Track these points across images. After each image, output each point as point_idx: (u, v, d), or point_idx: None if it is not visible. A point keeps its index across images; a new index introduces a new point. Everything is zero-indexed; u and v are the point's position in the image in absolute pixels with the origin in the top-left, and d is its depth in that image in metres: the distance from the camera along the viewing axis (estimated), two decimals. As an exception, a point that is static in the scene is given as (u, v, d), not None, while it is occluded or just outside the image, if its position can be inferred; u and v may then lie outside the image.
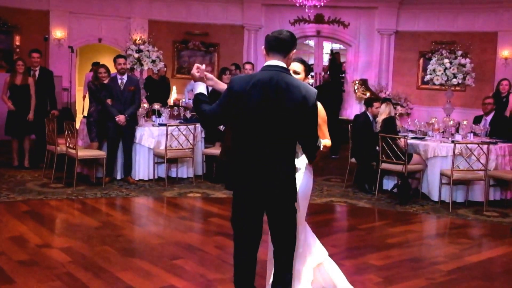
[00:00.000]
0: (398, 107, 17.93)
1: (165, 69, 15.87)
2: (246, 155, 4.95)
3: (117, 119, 11.44)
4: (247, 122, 4.90)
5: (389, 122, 11.41)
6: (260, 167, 4.90)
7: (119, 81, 11.70)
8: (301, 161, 5.38)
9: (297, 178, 5.15)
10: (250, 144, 4.92)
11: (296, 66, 5.36)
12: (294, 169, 5.02)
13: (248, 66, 13.66)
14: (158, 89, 15.21)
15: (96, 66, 13.21)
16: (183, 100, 16.13)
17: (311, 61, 21.67)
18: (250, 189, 4.99)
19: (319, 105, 5.17)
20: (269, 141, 4.86)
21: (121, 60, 11.85)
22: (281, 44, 4.94)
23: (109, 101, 11.57)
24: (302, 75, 5.38)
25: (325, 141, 5.31)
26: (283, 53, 4.93)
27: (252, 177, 4.94)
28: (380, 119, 11.59)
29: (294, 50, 5.01)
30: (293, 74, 5.16)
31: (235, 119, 4.97)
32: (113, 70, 12.10)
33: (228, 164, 5.15)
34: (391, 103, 11.99)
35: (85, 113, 12.34)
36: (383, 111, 11.60)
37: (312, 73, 20.20)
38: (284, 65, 4.94)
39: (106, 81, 11.80)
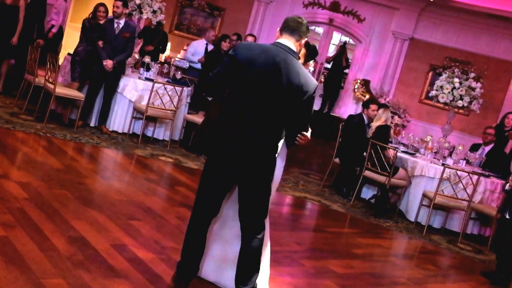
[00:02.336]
0: (395, 117, 18.06)
1: (164, 21, 15.81)
2: (233, 121, 5.16)
3: (104, 63, 11.46)
4: (242, 90, 5.11)
5: (383, 130, 11.55)
6: (243, 137, 5.11)
7: (115, 25, 11.70)
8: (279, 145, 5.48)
9: None
10: (240, 113, 5.13)
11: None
12: (275, 149, 5.20)
13: (250, 38, 13.74)
14: (152, 39, 15.28)
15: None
16: (177, 59, 16.23)
17: (316, 50, 21.75)
18: (227, 156, 5.20)
19: None
20: (258, 115, 5.07)
21: (118, 3, 11.70)
22: (298, 27, 5.14)
23: (100, 43, 11.59)
24: (301, 60, 5.46)
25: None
26: (297, 36, 5.13)
27: (232, 145, 5.16)
28: (375, 124, 11.71)
29: (306, 39, 5.17)
30: None
31: (233, 86, 5.16)
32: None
33: (209, 134, 5.33)
34: (389, 110, 12.12)
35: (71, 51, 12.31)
36: (379, 117, 11.72)
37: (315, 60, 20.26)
38: (294, 47, 5.11)
39: (102, 22, 11.86)
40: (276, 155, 5.37)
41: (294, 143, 5.33)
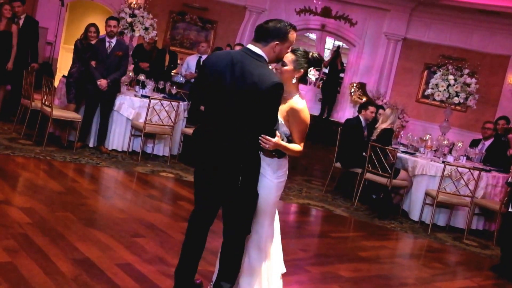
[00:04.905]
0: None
1: (157, 38, 15.81)
2: (205, 128, 5.28)
3: (98, 82, 11.47)
4: (209, 97, 5.20)
5: (387, 134, 11.50)
6: (213, 143, 5.16)
7: (107, 44, 11.73)
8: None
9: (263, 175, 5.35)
10: (210, 119, 5.23)
11: (286, 57, 5.34)
12: (248, 155, 5.16)
13: (237, 48, 13.72)
14: (147, 59, 15.28)
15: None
16: (172, 74, 16.29)
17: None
18: (203, 163, 5.34)
19: (305, 108, 5.33)
20: (224, 119, 5.10)
21: (113, 22, 11.83)
22: (260, 32, 5.19)
23: (93, 63, 11.59)
24: (289, 67, 5.33)
25: (293, 145, 5.31)
26: (261, 41, 5.14)
27: (205, 151, 5.25)
28: (381, 126, 11.64)
29: (276, 42, 5.13)
30: (280, 66, 5.34)
31: (204, 93, 5.28)
32: (103, 32, 12.14)
33: (189, 143, 5.46)
34: (396, 111, 12.08)
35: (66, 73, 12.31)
36: (387, 118, 11.62)
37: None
38: (258, 51, 5.12)
39: (93, 42, 11.86)
40: (265, 169, 5.36)
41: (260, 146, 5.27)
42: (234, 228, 5.38)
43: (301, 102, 5.32)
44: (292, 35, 5.23)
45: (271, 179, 5.38)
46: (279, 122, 5.19)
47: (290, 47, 5.27)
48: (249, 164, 5.18)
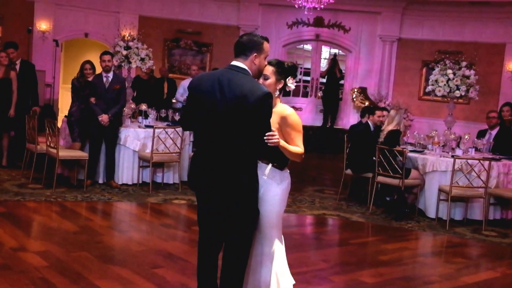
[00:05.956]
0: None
1: (154, 67, 15.80)
2: (199, 150, 5.31)
3: (100, 118, 11.46)
4: (199, 117, 5.19)
5: (395, 135, 11.41)
6: (208, 165, 5.15)
7: (104, 79, 11.72)
8: (268, 168, 5.36)
9: (262, 185, 5.29)
10: (202, 140, 5.25)
11: (266, 70, 5.37)
12: (243, 171, 5.09)
13: None
14: (146, 89, 15.26)
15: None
16: (173, 101, 16.26)
17: (307, 66, 21.81)
18: (200, 186, 5.29)
19: (293, 112, 5.35)
20: (216, 137, 5.07)
21: (107, 57, 11.84)
22: (238, 47, 5.23)
23: (92, 99, 11.59)
24: (271, 79, 5.35)
25: (294, 147, 5.28)
26: (241, 55, 5.19)
27: (201, 173, 5.22)
28: (387, 128, 11.57)
29: (254, 54, 5.16)
30: (262, 80, 5.32)
31: (195, 116, 5.26)
32: (98, 67, 12.13)
33: (189, 168, 5.45)
34: (401, 111, 12.03)
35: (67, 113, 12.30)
36: (392, 119, 11.55)
37: (299, 76, 20.23)
38: (241, 65, 5.16)
39: (90, 78, 11.84)
40: (266, 179, 5.31)
41: (263, 155, 5.24)
42: (234, 246, 5.32)
43: (288, 108, 5.37)
44: (266, 45, 5.27)
45: (276, 192, 5.34)
46: None
47: (266, 58, 5.30)
48: (248, 181, 5.13)
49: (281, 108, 5.35)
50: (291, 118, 5.33)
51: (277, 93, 5.39)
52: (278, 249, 5.51)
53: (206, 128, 5.14)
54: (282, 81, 5.36)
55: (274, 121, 5.21)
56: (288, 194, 5.52)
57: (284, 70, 5.38)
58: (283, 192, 5.42)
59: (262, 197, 5.30)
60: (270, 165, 5.32)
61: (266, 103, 4.95)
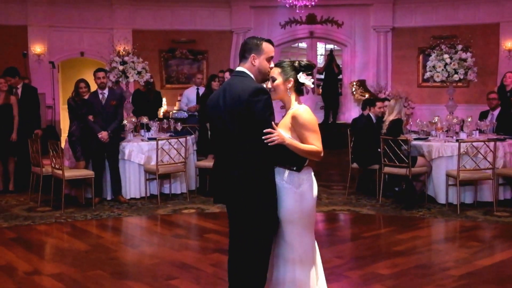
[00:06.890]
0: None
1: (152, 79, 15.71)
2: (217, 164, 5.33)
3: (99, 136, 11.44)
4: (214, 133, 5.31)
5: (397, 124, 11.37)
6: (222, 175, 5.17)
7: (100, 96, 11.70)
8: (287, 173, 5.22)
9: (281, 191, 5.18)
10: (218, 155, 5.33)
11: (272, 72, 5.29)
12: (255, 178, 5.01)
13: (226, 74, 13.47)
14: (146, 101, 15.22)
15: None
16: (174, 111, 16.22)
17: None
18: (221, 196, 5.30)
19: (304, 111, 5.18)
20: (229, 149, 5.10)
21: (101, 74, 11.82)
22: (240, 52, 5.31)
23: (90, 117, 11.58)
24: (279, 80, 5.23)
25: (305, 145, 5.14)
26: (243, 59, 5.25)
27: (220, 183, 5.22)
28: (388, 118, 11.56)
29: (253, 55, 5.17)
30: (271, 83, 5.27)
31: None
32: (93, 84, 12.11)
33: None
34: (400, 100, 11.99)
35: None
36: (392, 109, 11.54)
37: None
38: (241, 68, 5.21)
39: (86, 96, 11.83)
40: (281, 187, 5.20)
41: (276, 159, 5.14)
42: (248, 252, 5.21)
43: (300, 107, 5.20)
44: (266, 46, 5.22)
45: (294, 198, 5.17)
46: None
47: (268, 59, 5.23)
48: (263, 188, 5.05)
49: (293, 108, 5.22)
50: (302, 116, 5.13)
51: (289, 92, 5.25)
52: (308, 248, 5.39)
53: (218, 140, 5.20)
54: (291, 79, 5.23)
55: (287, 122, 5.16)
56: (313, 197, 5.34)
57: (294, 68, 5.28)
58: (302, 197, 5.23)
59: (280, 204, 5.16)
60: (287, 169, 5.23)
61: (258, 97, 4.90)
